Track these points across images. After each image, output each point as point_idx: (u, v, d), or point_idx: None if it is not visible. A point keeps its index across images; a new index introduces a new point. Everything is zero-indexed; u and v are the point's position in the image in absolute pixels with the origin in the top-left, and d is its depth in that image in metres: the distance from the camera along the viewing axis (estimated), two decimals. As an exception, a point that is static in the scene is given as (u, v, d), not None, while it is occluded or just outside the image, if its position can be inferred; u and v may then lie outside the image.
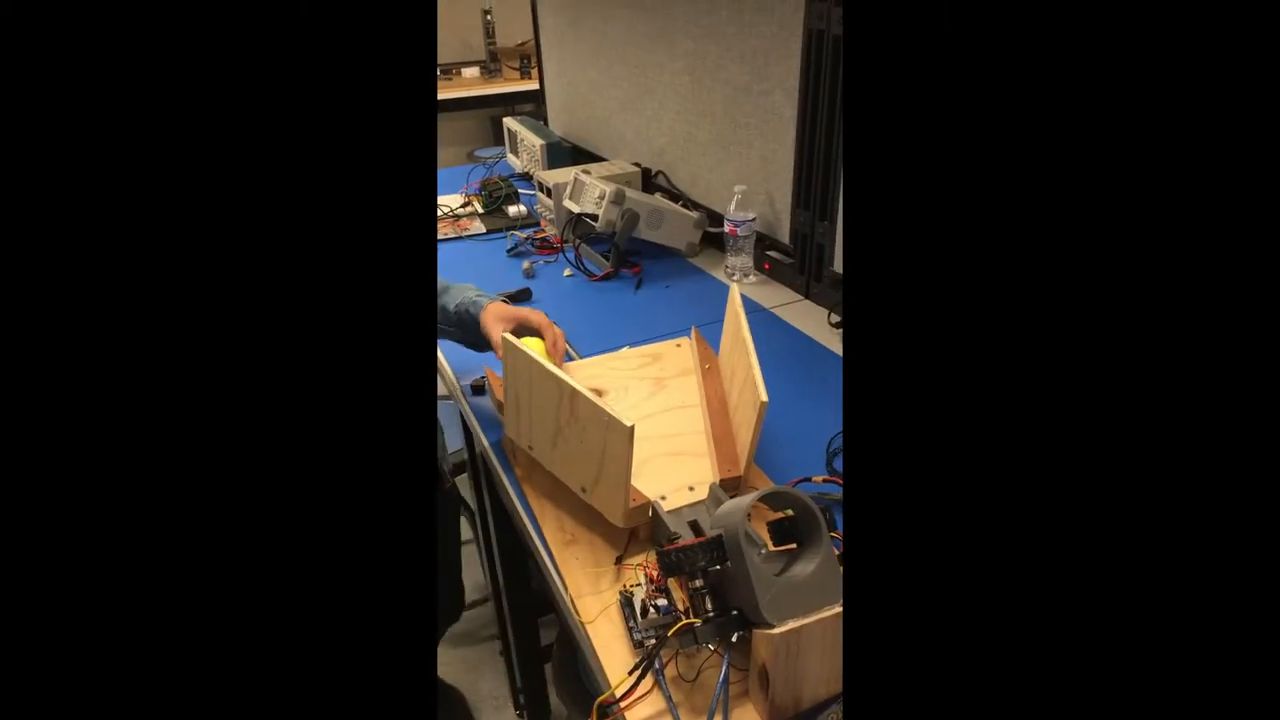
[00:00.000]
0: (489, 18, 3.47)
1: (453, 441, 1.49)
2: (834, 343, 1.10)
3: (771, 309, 1.23)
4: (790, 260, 1.30)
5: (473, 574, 1.74)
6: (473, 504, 1.39)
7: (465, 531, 1.82)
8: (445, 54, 3.62)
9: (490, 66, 3.54)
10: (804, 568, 0.56)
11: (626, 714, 0.56)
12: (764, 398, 0.67)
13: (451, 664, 1.55)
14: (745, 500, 0.57)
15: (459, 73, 3.55)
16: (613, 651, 0.61)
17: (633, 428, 0.62)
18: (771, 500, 0.58)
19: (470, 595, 1.68)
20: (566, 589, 0.68)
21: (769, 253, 1.34)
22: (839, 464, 0.83)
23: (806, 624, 0.51)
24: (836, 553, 0.57)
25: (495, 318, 0.89)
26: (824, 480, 0.79)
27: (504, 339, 0.74)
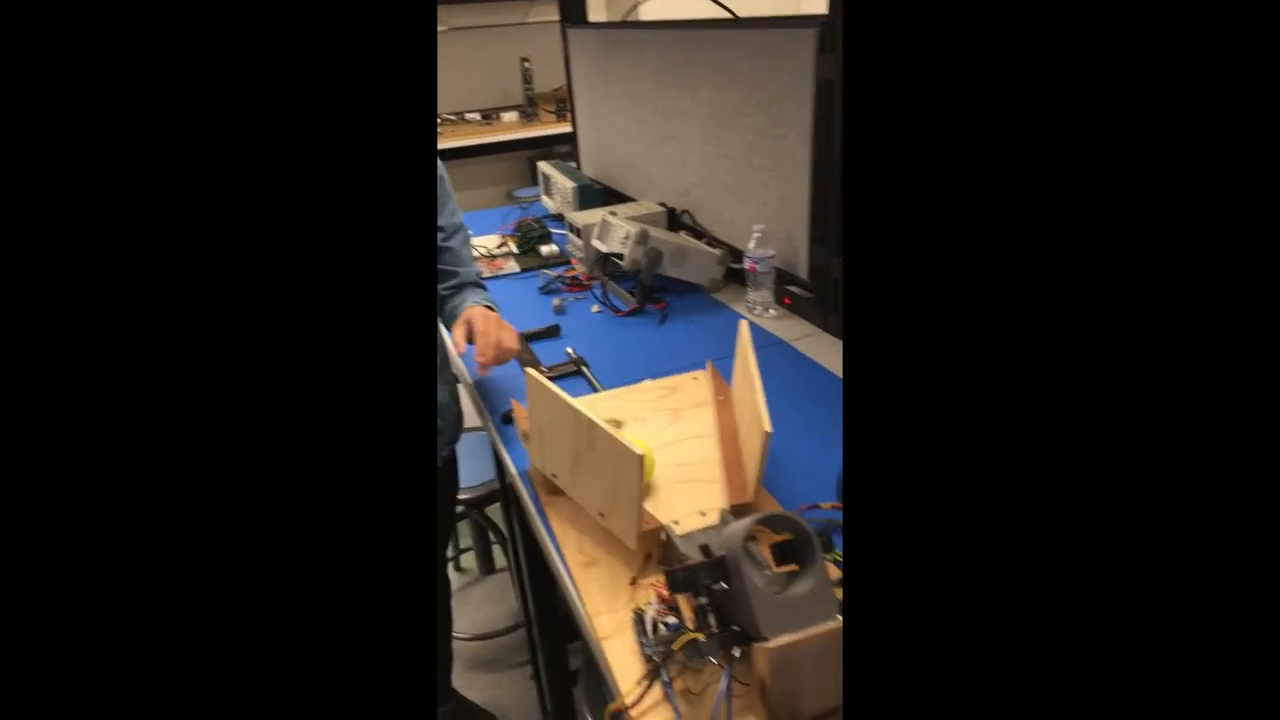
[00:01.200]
0: (527, 65, 3.63)
1: (485, 471, 1.56)
2: (839, 370, 1.14)
3: (791, 342, 1.28)
4: (809, 295, 1.34)
5: (507, 601, 1.79)
6: (505, 531, 1.45)
7: (499, 559, 1.88)
8: (486, 99, 3.80)
9: (528, 111, 3.70)
10: (800, 587, 0.60)
11: (636, 723, 0.60)
12: (768, 429, 0.71)
13: (485, 687, 1.59)
14: (745, 523, 0.61)
15: (499, 117, 3.71)
16: (626, 666, 0.66)
17: (642, 456, 0.67)
18: (772, 523, 0.63)
19: (504, 622, 1.73)
20: (585, 606, 0.73)
21: (789, 287, 1.39)
22: (849, 492, 0.87)
23: (801, 638, 0.55)
24: (836, 574, 0.61)
25: (462, 319, 1.04)
26: (831, 507, 0.82)
27: (527, 373, 0.80)
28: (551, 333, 1.35)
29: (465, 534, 1.91)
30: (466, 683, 1.61)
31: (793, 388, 1.11)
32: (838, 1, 1.11)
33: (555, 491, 0.87)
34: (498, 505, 1.58)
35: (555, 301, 1.47)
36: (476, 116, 3.73)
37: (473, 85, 3.77)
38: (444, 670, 1.40)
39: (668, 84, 1.67)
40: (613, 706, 0.60)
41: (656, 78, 1.71)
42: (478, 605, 1.81)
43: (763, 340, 1.29)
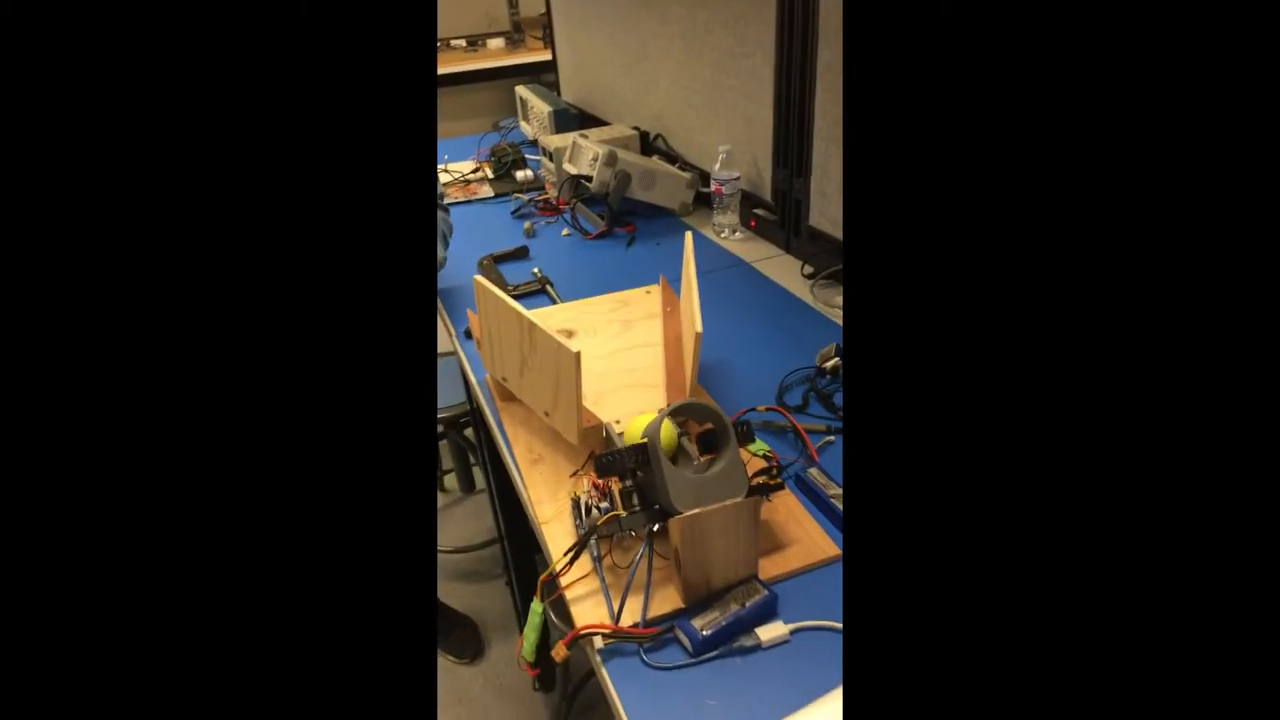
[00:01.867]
0: (512, -12, 3.52)
1: (460, 393, 1.61)
2: (805, 293, 1.17)
3: (754, 263, 1.30)
4: (773, 217, 1.36)
5: (486, 518, 1.87)
6: (475, 447, 1.51)
7: (479, 480, 1.95)
8: (471, 26, 3.70)
9: (514, 37, 3.61)
10: (713, 469, 0.64)
11: (566, 593, 0.66)
12: (698, 329, 0.75)
13: (465, 595, 1.68)
14: (664, 412, 0.65)
15: (484, 44, 3.62)
16: (563, 545, 0.71)
17: (578, 354, 0.71)
18: (690, 412, 0.67)
19: (483, 537, 1.81)
20: (529, 496, 0.78)
21: (755, 210, 1.40)
22: (788, 398, 0.91)
23: (708, 511, 0.60)
24: (744, 457, 0.66)
25: None
26: (767, 409, 0.87)
27: (475, 281, 0.83)
28: (520, 254, 1.38)
29: (447, 456, 1.98)
30: (448, 592, 1.70)
31: (749, 307, 1.14)
32: (800, -89, 1.09)
33: (508, 397, 0.91)
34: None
35: (526, 225, 1.49)
36: (461, 43, 3.64)
37: (458, 11, 3.66)
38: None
39: (641, 7, 1.64)
40: (543, 575, 0.65)
41: (629, 1, 1.68)
42: (459, 522, 1.89)
43: (726, 261, 1.32)
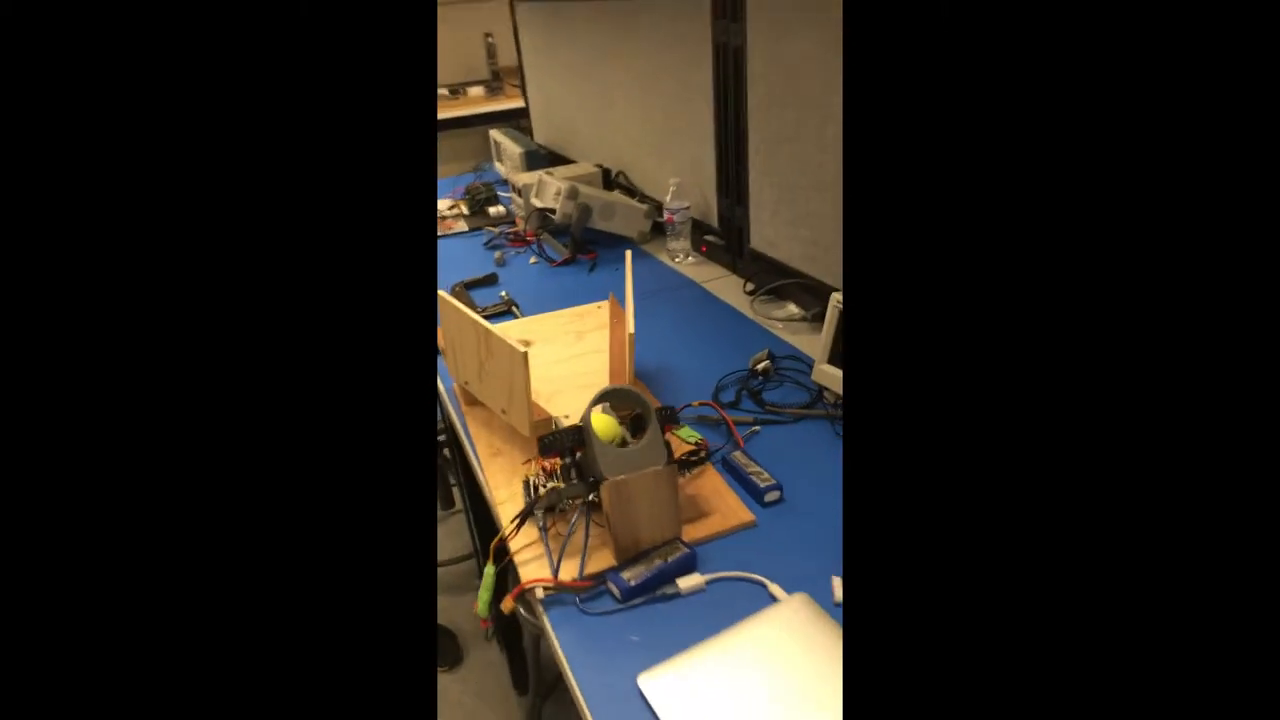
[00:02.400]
0: (490, 40, 3.72)
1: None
2: (745, 308, 1.29)
3: (703, 283, 1.43)
4: (721, 242, 1.49)
5: (463, 535, 1.95)
6: (451, 460, 1.60)
7: (458, 500, 2.04)
8: (452, 75, 3.89)
9: (493, 85, 3.80)
10: (637, 445, 0.75)
11: (515, 557, 0.76)
12: (630, 330, 0.87)
13: (443, 607, 1.76)
14: (596, 396, 0.77)
15: (465, 92, 3.80)
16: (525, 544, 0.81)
17: (525, 354, 0.82)
18: (617, 397, 0.78)
19: (460, 552, 1.89)
20: (487, 483, 0.88)
21: (706, 237, 1.53)
22: (723, 396, 1.02)
23: (632, 477, 0.71)
24: (675, 442, 0.76)
25: None
26: (700, 404, 0.98)
27: (439, 295, 0.95)
28: (490, 280, 1.50)
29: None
30: (429, 606, 1.78)
31: (694, 320, 1.27)
32: (728, -26, 1.25)
33: (472, 401, 1.02)
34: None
35: (496, 255, 1.62)
36: (444, 92, 3.82)
37: (440, 61, 3.85)
38: None
39: (601, 54, 1.80)
40: (494, 540, 0.76)
41: (592, 48, 1.84)
42: (439, 539, 1.97)
43: (678, 282, 1.44)
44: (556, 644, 0.67)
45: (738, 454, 0.88)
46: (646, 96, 1.64)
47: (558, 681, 1.52)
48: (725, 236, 1.46)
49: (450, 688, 1.60)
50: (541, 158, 2.03)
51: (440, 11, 3.73)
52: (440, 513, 2.06)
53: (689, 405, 0.99)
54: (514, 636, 1.52)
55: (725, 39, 1.27)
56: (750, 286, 1.34)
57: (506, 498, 0.85)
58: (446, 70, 3.89)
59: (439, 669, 1.63)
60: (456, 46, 3.82)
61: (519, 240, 1.69)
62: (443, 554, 1.90)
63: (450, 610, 1.76)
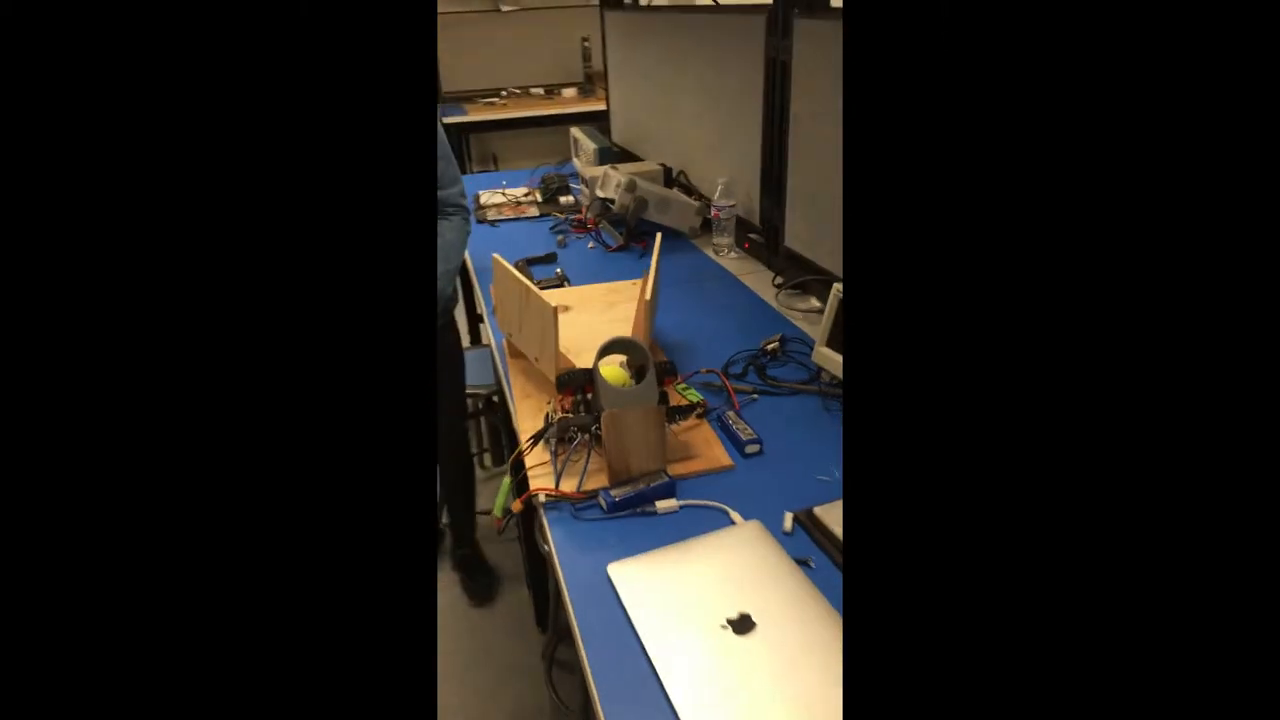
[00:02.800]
0: (586, 44, 3.94)
1: (489, 376, 1.91)
2: (772, 299, 1.42)
3: (740, 275, 1.56)
4: (760, 239, 1.61)
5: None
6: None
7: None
8: (549, 76, 4.14)
9: (585, 87, 4.02)
10: (635, 386, 0.90)
11: (529, 472, 0.92)
12: (647, 298, 1.01)
13: (490, 554, 1.95)
14: (604, 344, 0.92)
15: (560, 92, 4.04)
16: (535, 449, 0.97)
17: (555, 308, 0.98)
18: (621, 347, 0.93)
19: (507, 506, 2.08)
20: (516, 415, 1.05)
21: (750, 235, 1.66)
22: (733, 369, 1.15)
23: (627, 410, 0.85)
24: (675, 396, 0.91)
25: None
26: (706, 371, 1.12)
27: (494, 258, 1.12)
28: (549, 259, 1.67)
29: (485, 436, 2.28)
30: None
31: (723, 305, 1.40)
32: (782, -5, 1.38)
33: (515, 354, 1.19)
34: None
35: (559, 238, 1.79)
36: (540, 91, 4.08)
37: (538, 62, 4.11)
38: (470, 529, 1.83)
39: (669, 63, 1.95)
40: (512, 455, 0.92)
41: (660, 59, 2.00)
42: (491, 493, 2.17)
43: (716, 272, 1.58)
44: (550, 538, 0.83)
45: (731, 414, 1.01)
46: (707, 102, 1.78)
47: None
48: (764, 234, 1.59)
49: (482, 624, 1.78)
50: (613, 154, 2.20)
51: (540, 15, 3.98)
52: (493, 468, 2.27)
53: (697, 372, 1.12)
54: (541, 582, 1.69)
55: (775, 54, 1.40)
56: (779, 280, 1.46)
57: (530, 429, 1.01)
58: (543, 71, 4.14)
59: (478, 604, 1.82)
60: (554, 49, 4.06)
61: (581, 227, 1.86)
62: (490, 505, 2.10)
63: (494, 554, 1.95)
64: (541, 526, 0.86)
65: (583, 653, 0.69)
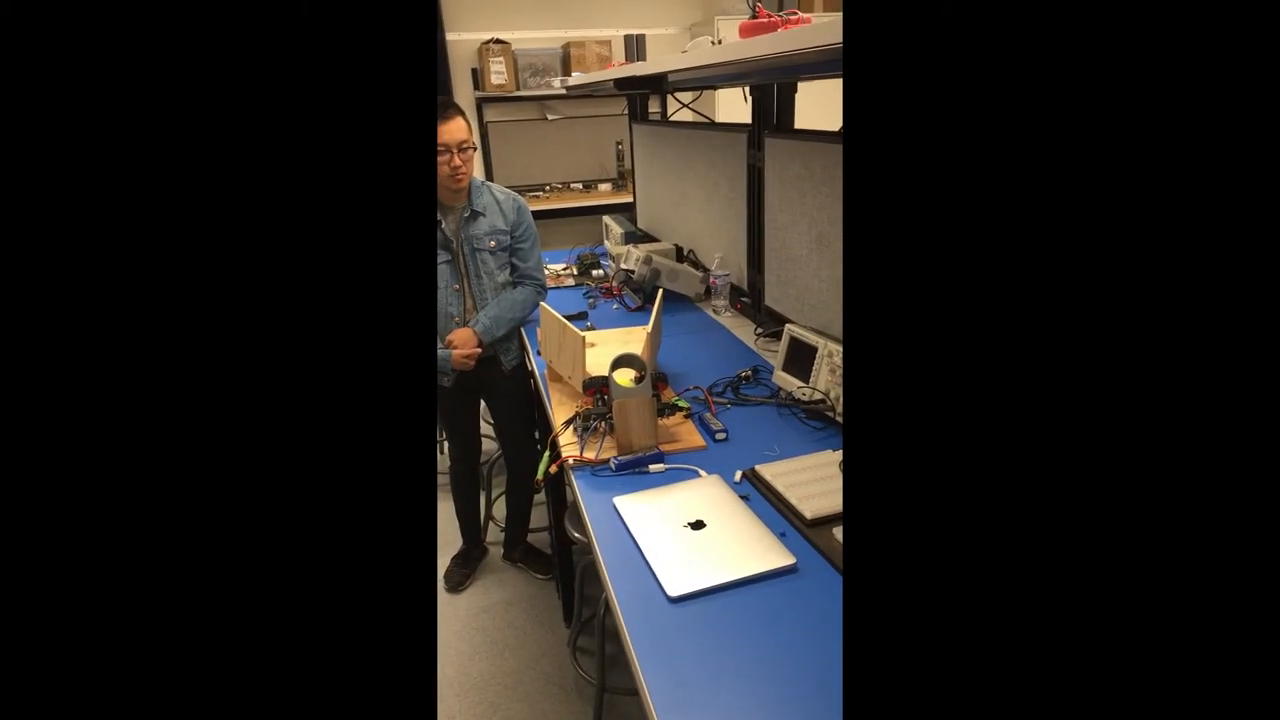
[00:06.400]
0: (620, 146, 4.55)
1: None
2: (751, 343, 1.82)
3: (731, 329, 1.97)
4: (748, 300, 2.03)
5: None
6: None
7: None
8: (588, 172, 4.74)
9: (618, 182, 4.60)
10: (636, 387, 1.30)
11: (563, 449, 1.31)
12: (649, 331, 1.43)
13: (536, 539, 2.32)
14: (616, 359, 1.33)
15: (596, 187, 4.63)
16: (567, 440, 1.37)
17: (584, 337, 1.40)
18: (626, 362, 1.34)
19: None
20: (553, 417, 1.45)
21: (742, 298, 2.08)
22: (715, 389, 1.55)
23: (628, 400, 1.25)
24: (669, 397, 1.31)
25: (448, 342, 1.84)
26: (694, 388, 1.52)
27: (541, 305, 1.55)
28: (581, 316, 2.12)
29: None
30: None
31: (714, 349, 1.81)
32: (757, 113, 1.85)
33: (556, 378, 1.60)
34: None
35: (589, 301, 2.24)
36: (579, 185, 4.68)
37: (578, 161, 4.73)
38: (523, 525, 2.29)
39: (680, 164, 2.45)
40: (550, 437, 1.31)
41: (675, 160, 2.50)
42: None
43: (711, 325, 2.00)
44: (576, 486, 1.21)
45: (708, 415, 1.40)
46: (708, 195, 2.25)
47: (590, 618, 2.01)
48: (750, 296, 2.01)
49: (516, 616, 2.12)
50: (637, 236, 2.68)
51: (581, 123, 4.61)
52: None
53: (688, 389, 1.52)
54: (568, 575, 2.04)
55: (753, 161, 1.86)
56: (759, 330, 1.87)
57: (563, 430, 1.42)
58: (584, 168, 4.75)
59: (548, 572, 2.23)
60: (593, 150, 4.68)
61: (608, 292, 2.31)
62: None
63: (540, 541, 2.35)
64: (570, 484, 1.25)
65: (596, 548, 1.07)
